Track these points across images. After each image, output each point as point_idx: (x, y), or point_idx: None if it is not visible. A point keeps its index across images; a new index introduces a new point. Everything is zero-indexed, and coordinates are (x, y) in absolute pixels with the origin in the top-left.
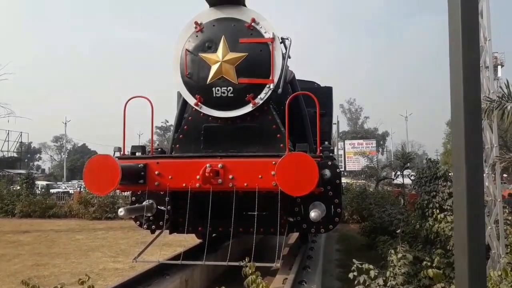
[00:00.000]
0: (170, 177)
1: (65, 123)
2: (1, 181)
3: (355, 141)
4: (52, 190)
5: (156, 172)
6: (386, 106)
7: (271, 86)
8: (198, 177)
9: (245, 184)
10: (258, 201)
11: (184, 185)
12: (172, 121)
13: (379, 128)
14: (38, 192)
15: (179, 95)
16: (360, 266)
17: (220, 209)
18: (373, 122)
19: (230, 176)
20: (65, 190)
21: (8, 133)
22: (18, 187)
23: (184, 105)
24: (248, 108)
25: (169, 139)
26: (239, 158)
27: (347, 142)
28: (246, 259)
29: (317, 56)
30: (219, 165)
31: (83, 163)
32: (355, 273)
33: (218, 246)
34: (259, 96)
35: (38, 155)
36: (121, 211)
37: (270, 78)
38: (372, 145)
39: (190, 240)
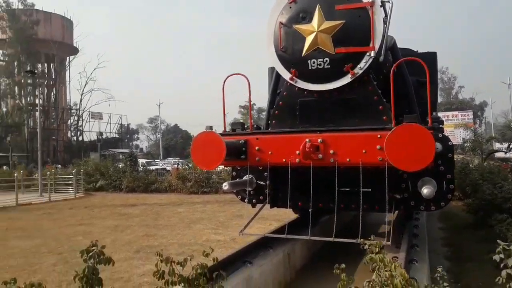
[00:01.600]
0: (270, 152)
1: (159, 105)
2: (107, 159)
3: (449, 113)
4: (150, 167)
5: (257, 148)
6: (483, 74)
7: (372, 53)
8: (298, 152)
9: (348, 160)
10: (361, 177)
11: (284, 160)
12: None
13: (475, 98)
14: (140, 169)
15: (271, 70)
16: (508, 248)
17: (319, 184)
18: (469, 92)
19: (331, 151)
20: (162, 167)
21: (109, 116)
22: (122, 165)
23: (277, 80)
24: (346, 80)
25: (253, 118)
26: (340, 133)
27: (440, 114)
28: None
29: (402, 20)
30: (319, 140)
31: (176, 142)
32: (502, 255)
33: (315, 221)
34: (358, 66)
35: (136, 135)
36: (225, 185)
37: (371, 45)
38: (468, 117)
39: (282, 214)
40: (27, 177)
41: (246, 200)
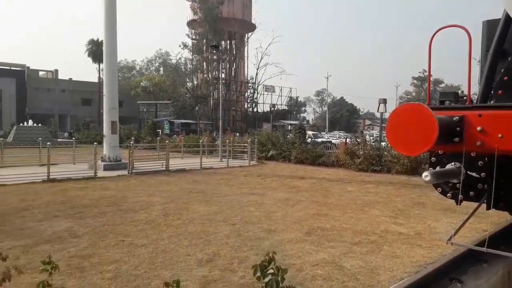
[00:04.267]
0: (499, 135)
1: (327, 78)
2: (278, 130)
3: None
4: (317, 140)
5: (478, 128)
6: None
7: None
8: None
9: None
10: None
11: None
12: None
13: None
14: (308, 141)
15: (488, 25)
16: None
17: None
18: None
19: None
20: (328, 139)
21: (281, 89)
22: (292, 136)
23: (503, 34)
24: None
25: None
26: None
27: None
28: None
29: None
30: None
31: (341, 115)
32: None
33: None
34: None
35: (303, 108)
36: (426, 176)
37: None
38: None
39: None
40: (210, 143)
41: (448, 195)
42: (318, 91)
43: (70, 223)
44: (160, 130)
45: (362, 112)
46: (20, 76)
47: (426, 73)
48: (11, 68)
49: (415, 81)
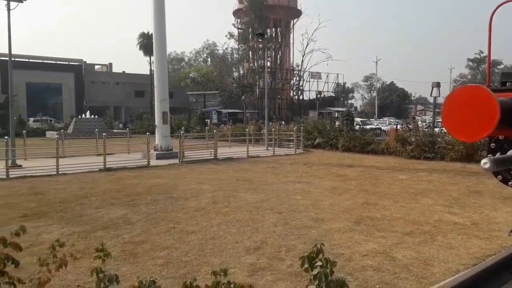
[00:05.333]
0: None
1: (376, 62)
2: (325, 118)
3: None
4: (366, 127)
5: None
6: None
7: None
8: None
9: None
10: None
11: None
12: None
13: None
14: (356, 128)
15: None
16: None
17: None
18: None
19: None
20: (377, 126)
21: (327, 76)
22: (339, 123)
23: None
24: None
25: (484, 73)
26: None
27: None
28: None
29: None
30: None
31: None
32: None
33: None
34: None
35: (351, 94)
36: (485, 163)
37: None
38: None
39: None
40: (256, 132)
41: (510, 183)
42: (367, 76)
43: (125, 210)
44: (208, 120)
45: (413, 97)
46: (78, 71)
47: (482, 55)
48: (70, 63)
49: (470, 63)
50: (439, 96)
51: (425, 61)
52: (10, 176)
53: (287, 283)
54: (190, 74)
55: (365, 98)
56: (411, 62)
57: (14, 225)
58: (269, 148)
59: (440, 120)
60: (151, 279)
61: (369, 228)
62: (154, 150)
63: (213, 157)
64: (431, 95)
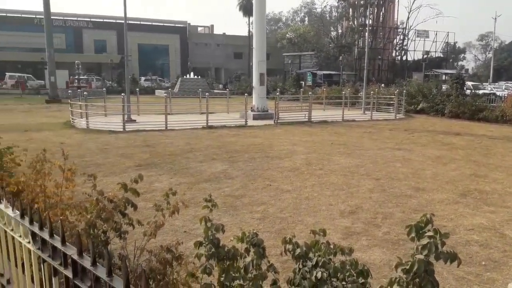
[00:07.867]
0: None
1: (495, 18)
2: (431, 80)
3: None
4: (478, 92)
5: None
6: None
7: None
8: None
9: None
10: None
11: None
12: None
13: None
14: (467, 93)
15: None
16: None
17: None
18: None
19: None
20: (491, 91)
21: (436, 34)
22: (447, 87)
23: None
24: None
25: None
26: None
27: None
28: None
29: None
30: None
31: (510, 63)
32: None
33: None
34: None
35: (462, 55)
36: None
37: None
38: None
39: None
40: (353, 95)
41: None
42: (482, 35)
43: (225, 165)
44: (303, 82)
45: None
46: (183, 32)
47: None
48: (176, 25)
49: None
50: None
51: None
52: (126, 129)
53: (383, 249)
54: (287, 35)
55: (479, 59)
56: None
57: (131, 173)
58: (366, 112)
59: None
60: (254, 231)
61: (477, 201)
62: (251, 111)
63: (307, 120)
64: None
